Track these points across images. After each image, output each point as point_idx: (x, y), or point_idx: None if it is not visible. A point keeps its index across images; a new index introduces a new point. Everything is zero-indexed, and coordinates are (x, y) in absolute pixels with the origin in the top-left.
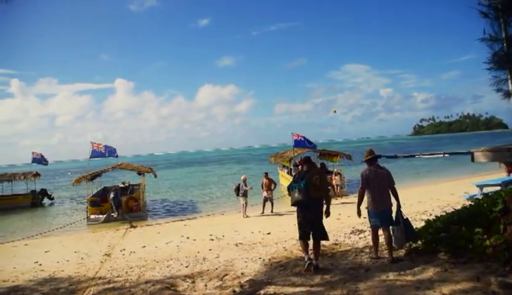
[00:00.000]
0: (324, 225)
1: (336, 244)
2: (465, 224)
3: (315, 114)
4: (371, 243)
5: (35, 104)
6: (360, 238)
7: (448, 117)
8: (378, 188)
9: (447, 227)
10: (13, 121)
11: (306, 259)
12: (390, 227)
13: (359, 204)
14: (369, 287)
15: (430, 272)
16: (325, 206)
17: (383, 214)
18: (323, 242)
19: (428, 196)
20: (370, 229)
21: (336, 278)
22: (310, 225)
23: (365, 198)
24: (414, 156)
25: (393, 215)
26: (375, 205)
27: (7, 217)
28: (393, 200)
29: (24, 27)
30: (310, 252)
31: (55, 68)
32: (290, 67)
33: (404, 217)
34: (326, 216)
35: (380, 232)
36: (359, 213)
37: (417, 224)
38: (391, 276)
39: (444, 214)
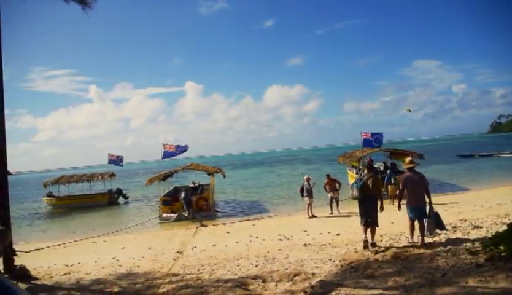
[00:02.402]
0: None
1: (408, 246)
2: None
3: (384, 112)
4: (447, 246)
5: (112, 108)
6: (434, 240)
7: None
8: (415, 189)
9: None
10: (92, 125)
11: (363, 237)
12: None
13: (399, 201)
14: (446, 293)
15: None
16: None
17: (418, 210)
18: (397, 244)
19: (509, 198)
20: (409, 221)
21: (410, 282)
22: (367, 214)
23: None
24: (491, 155)
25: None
26: (412, 202)
27: (87, 215)
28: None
29: (102, 36)
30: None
31: (130, 74)
32: (358, 66)
33: (435, 211)
34: (381, 210)
35: None
36: (399, 207)
37: (498, 227)
38: (471, 282)
39: None
